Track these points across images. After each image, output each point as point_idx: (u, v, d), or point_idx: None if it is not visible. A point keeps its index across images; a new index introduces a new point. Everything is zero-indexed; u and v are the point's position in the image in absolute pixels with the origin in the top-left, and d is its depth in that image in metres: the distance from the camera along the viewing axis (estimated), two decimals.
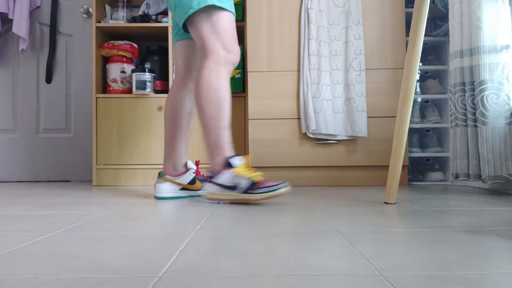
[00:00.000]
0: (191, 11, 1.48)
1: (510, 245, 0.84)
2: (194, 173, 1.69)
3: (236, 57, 1.53)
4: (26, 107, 2.72)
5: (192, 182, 1.68)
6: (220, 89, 1.49)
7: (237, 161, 1.48)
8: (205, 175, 1.73)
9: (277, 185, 1.43)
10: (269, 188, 1.43)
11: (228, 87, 1.51)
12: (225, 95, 1.50)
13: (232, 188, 1.45)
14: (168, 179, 1.67)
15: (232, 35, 1.53)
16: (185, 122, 1.70)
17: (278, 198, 1.63)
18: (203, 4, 1.46)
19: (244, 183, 1.44)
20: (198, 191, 1.71)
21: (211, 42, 1.49)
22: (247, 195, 1.44)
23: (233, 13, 1.55)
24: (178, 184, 1.68)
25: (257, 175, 1.47)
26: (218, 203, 1.52)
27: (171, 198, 1.67)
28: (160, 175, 1.69)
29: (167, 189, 1.67)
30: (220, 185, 1.47)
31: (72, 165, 2.71)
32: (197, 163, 1.75)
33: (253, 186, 1.44)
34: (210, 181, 1.50)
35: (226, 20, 1.51)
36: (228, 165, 1.47)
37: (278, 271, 0.67)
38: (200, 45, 1.52)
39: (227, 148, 1.50)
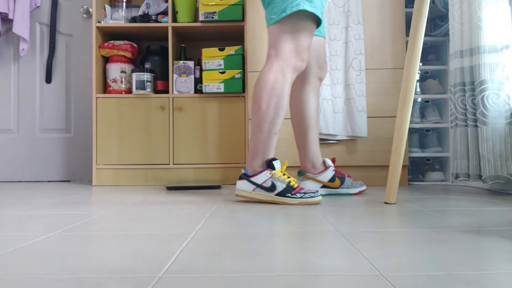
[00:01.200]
0: (284, 14, 1.47)
1: (510, 245, 0.84)
2: (333, 170, 1.74)
3: (304, 65, 1.53)
4: (26, 107, 2.72)
5: (332, 179, 1.73)
6: (283, 96, 1.50)
7: (277, 164, 1.52)
8: (342, 173, 1.78)
9: (312, 193, 1.49)
10: (305, 194, 1.48)
11: (289, 94, 1.54)
12: (285, 101, 1.52)
13: (269, 189, 1.49)
14: (310, 177, 1.73)
15: (308, 43, 1.52)
16: (314, 120, 1.75)
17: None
18: (296, 9, 1.45)
19: (281, 186, 1.48)
20: (337, 189, 1.74)
21: (286, 47, 1.49)
22: (284, 198, 1.48)
23: (319, 19, 1.53)
24: (320, 182, 1.73)
25: (293, 181, 1.51)
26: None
27: None
28: (301, 173, 1.75)
29: (310, 187, 1.71)
30: (257, 184, 1.50)
31: (72, 165, 2.71)
32: (333, 161, 1.79)
33: (290, 191, 1.48)
34: (246, 179, 1.52)
35: (308, 28, 1.51)
36: (268, 167, 1.51)
37: (278, 271, 0.67)
38: (273, 43, 1.52)
39: (272, 152, 1.54)
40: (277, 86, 1.49)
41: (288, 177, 1.51)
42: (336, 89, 2.16)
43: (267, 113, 1.50)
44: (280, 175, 1.50)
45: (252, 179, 1.51)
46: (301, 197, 1.47)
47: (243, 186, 1.53)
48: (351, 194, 1.74)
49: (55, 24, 2.71)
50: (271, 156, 1.53)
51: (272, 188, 1.48)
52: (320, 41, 1.74)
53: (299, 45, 1.50)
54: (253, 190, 1.51)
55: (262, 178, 1.49)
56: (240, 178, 1.54)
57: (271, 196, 1.49)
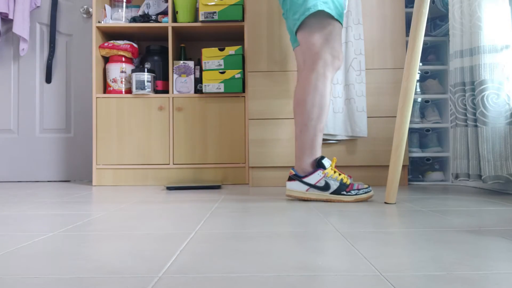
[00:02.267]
0: (303, 17, 1.57)
1: (510, 245, 0.84)
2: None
3: (341, 63, 1.62)
4: (26, 107, 2.72)
5: None
6: (325, 94, 1.58)
7: (327, 163, 1.56)
8: (343, 173, 1.77)
9: (365, 188, 1.53)
10: (359, 191, 1.52)
11: (331, 92, 1.60)
12: (328, 100, 1.59)
13: (324, 188, 1.53)
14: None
15: (339, 42, 1.60)
16: None
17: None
18: (313, 10, 1.54)
19: (335, 185, 1.52)
20: None
21: (321, 48, 1.57)
22: (339, 196, 1.53)
23: (341, 23, 1.62)
24: None
25: (345, 177, 1.54)
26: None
27: None
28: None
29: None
30: (311, 185, 1.55)
31: (72, 165, 2.71)
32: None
33: (345, 188, 1.52)
34: (298, 180, 1.56)
35: (335, 28, 1.59)
36: (319, 166, 1.55)
37: (278, 271, 0.67)
38: (307, 49, 1.60)
39: (319, 150, 1.59)
40: (319, 85, 1.57)
41: (339, 174, 1.55)
42: (336, 89, 2.16)
43: (312, 112, 1.57)
44: (332, 174, 1.54)
45: (305, 179, 1.55)
46: (355, 194, 1.52)
47: (295, 187, 1.57)
48: None
49: (55, 24, 2.71)
50: (318, 154, 1.59)
51: (326, 187, 1.53)
52: None
53: (331, 45, 1.58)
54: (307, 191, 1.55)
55: (315, 178, 1.54)
56: (291, 179, 1.58)
57: (326, 195, 1.53)
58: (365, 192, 1.53)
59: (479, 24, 1.73)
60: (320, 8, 1.54)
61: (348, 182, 1.54)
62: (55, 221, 1.17)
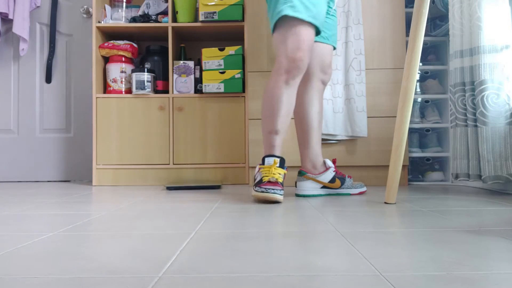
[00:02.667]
0: (274, 21, 1.57)
1: (510, 245, 0.84)
2: (333, 171, 1.75)
3: (296, 65, 1.53)
4: (26, 107, 2.72)
5: (332, 180, 1.74)
6: (273, 97, 1.57)
7: (267, 160, 1.57)
8: (342, 173, 1.80)
9: (272, 189, 1.47)
10: (263, 189, 1.48)
11: (285, 96, 1.57)
12: (277, 102, 1.56)
13: (254, 180, 1.59)
14: (310, 177, 1.74)
15: (297, 43, 1.52)
16: (317, 121, 1.78)
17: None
18: (279, 15, 1.52)
19: (257, 179, 1.55)
20: (338, 189, 1.75)
21: (278, 51, 1.58)
22: (252, 188, 1.56)
23: (316, 26, 1.55)
24: (320, 182, 1.74)
25: (269, 176, 1.51)
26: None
27: (313, 196, 1.72)
28: (302, 173, 1.75)
29: (309, 187, 1.73)
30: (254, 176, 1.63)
31: (72, 165, 2.71)
32: (334, 161, 1.80)
33: (258, 184, 1.52)
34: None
35: (296, 31, 1.52)
36: (262, 161, 1.58)
37: (278, 271, 0.67)
38: (275, 51, 1.63)
39: (268, 148, 1.61)
40: (268, 89, 1.59)
41: (270, 173, 1.51)
42: (336, 89, 2.17)
43: (263, 112, 1.61)
44: (264, 170, 1.53)
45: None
46: (258, 191, 1.48)
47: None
48: (351, 195, 1.74)
49: (55, 24, 2.71)
50: (271, 152, 1.60)
51: (254, 180, 1.58)
52: (326, 48, 1.77)
53: (287, 47, 1.54)
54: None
55: (256, 171, 1.60)
56: None
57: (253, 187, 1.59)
58: (267, 192, 1.46)
59: (479, 24, 1.73)
60: (284, 13, 1.49)
61: (265, 180, 1.49)
62: (55, 221, 1.17)
